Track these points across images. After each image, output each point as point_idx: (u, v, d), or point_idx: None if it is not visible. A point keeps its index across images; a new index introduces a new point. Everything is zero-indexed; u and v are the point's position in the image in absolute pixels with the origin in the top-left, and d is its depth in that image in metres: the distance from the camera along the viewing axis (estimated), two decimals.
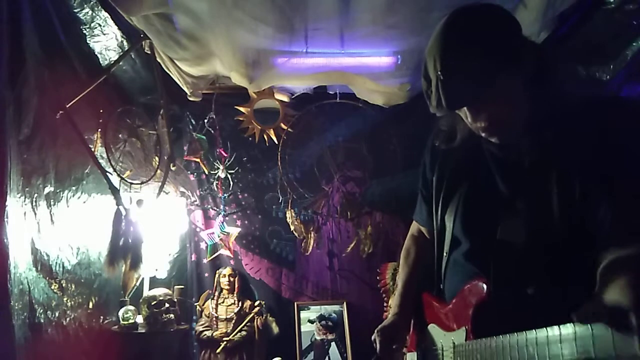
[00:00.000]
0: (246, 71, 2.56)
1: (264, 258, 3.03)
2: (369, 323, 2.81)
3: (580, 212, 0.99)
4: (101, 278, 2.27)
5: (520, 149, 1.09)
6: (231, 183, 3.02)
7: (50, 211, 1.82)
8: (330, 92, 3.01)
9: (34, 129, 1.66)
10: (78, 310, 2.03)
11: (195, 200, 3.04)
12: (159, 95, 2.57)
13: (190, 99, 2.79)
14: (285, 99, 3.02)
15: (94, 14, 1.94)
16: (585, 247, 0.97)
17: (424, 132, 1.38)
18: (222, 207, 2.99)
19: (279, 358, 2.69)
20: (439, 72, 1.00)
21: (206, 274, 2.98)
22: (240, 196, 3.08)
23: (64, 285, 1.92)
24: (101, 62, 2.20)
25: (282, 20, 2.14)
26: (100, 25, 2.01)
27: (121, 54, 2.18)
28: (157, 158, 2.68)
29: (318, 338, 2.89)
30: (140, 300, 2.58)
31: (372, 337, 1.34)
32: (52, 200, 1.84)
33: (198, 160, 2.92)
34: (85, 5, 1.88)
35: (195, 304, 2.88)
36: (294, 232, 3.02)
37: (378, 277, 2.94)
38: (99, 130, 2.19)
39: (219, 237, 2.92)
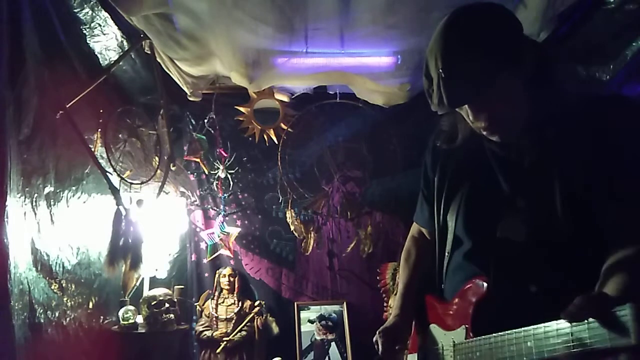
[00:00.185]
0: (246, 71, 2.56)
1: (264, 258, 3.03)
2: (369, 323, 2.86)
3: (582, 211, 0.99)
4: (101, 278, 2.27)
5: (522, 147, 1.09)
6: (231, 183, 3.02)
7: (50, 211, 1.82)
8: (330, 92, 3.01)
9: (34, 129, 1.66)
10: (78, 310, 2.03)
11: (195, 200, 3.04)
12: (159, 95, 2.57)
13: (190, 99, 2.79)
14: (285, 99, 3.02)
15: (94, 14, 1.94)
16: (588, 245, 0.98)
17: (424, 132, 1.38)
18: (222, 207, 2.99)
19: (279, 358, 2.69)
20: (440, 71, 1.01)
21: (206, 274, 2.97)
22: (240, 196, 3.08)
23: (64, 285, 1.92)
24: (101, 62, 2.20)
25: (282, 20, 2.14)
26: (100, 25, 2.01)
27: (121, 54, 2.18)
28: (157, 158, 2.68)
29: (318, 338, 2.89)
30: (140, 300, 2.58)
31: (374, 339, 1.34)
32: (52, 200, 1.84)
33: (198, 160, 2.92)
34: (85, 5, 1.88)
35: (195, 304, 2.88)
36: (294, 232, 3.02)
37: (378, 277, 2.94)
38: (99, 130, 2.19)
39: (219, 237, 2.92)
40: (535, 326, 0.86)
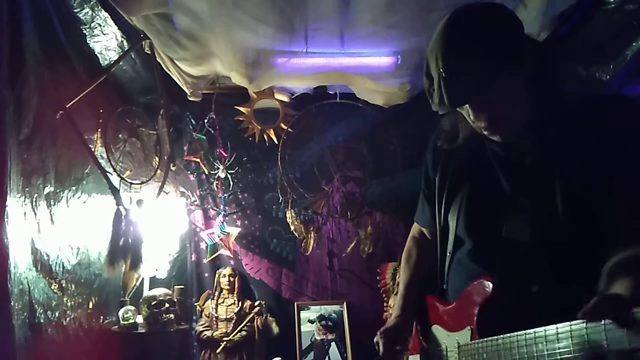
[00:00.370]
0: (246, 71, 2.56)
1: (264, 258, 3.03)
2: (369, 323, 2.87)
3: (584, 210, 0.99)
4: (101, 278, 2.27)
5: (523, 147, 1.09)
6: (231, 183, 3.02)
7: (50, 211, 1.82)
8: (330, 92, 3.01)
9: (34, 129, 1.66)
10: (78, 310, 2.03)
11: (195, 200, 3.04)
12: (159, 95, 2.57)
13: (190, 99, 2.79)
14: (285, 99, 3.02)
15: (94, 14, 1.94)
16: (590, 245, 0.97)
17: (424, 132, 1.38)
18: (222, 207, 2.99)
19: (279, 358, 2.69)
20: (441, 70, 1.01)
21: (206, 274, 2.97)
22: (240, 196, 3.08)
23: (64, 285, 1.92)
24: (101, 62, 2.20)
25: (282, 20, 2.14)
26: (100, 25, 2.01)
27: (121, 54, 2.18)
28: (157, 158, 2.68)
29: (318, 338, 2.89)
30: (140, 300, 2.58)
31: (375, 339, 1.33)
32: (52, 200, 1.84)
33: (198, 160, 2.92)
34: (85, 5, 1.88)
35: (195, 304, 2.88)
36: (294, 232, 3.02)
37: (378, 277, 2.93)
38: (99, 130, 2.19)
39: (219, 237, 2.92)
40: (546, 327, 0.83)
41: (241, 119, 3.03)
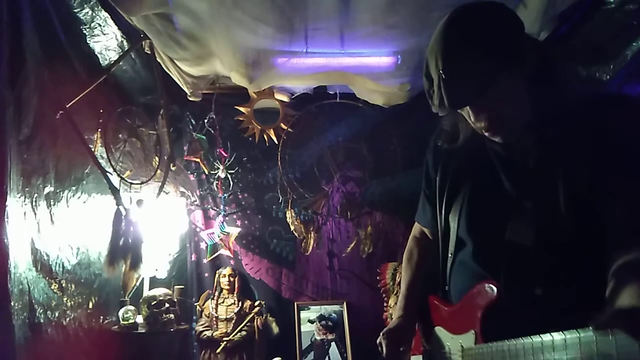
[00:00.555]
0: (246, 71, 2.56)
1: (264, 258, 3.03)
2: (369, 323, 2.87)
3: (587, 211, 0.97)
4: (101, 278, 2.27)
5: (524, 148, 1.08)
6: (231, 183, 3.02)
7: (50, 211, 1.82)
8: (330, 92, 3.01)
9: (34, 129, 1.66)
10: (78, 310, 2.03)
11: (195, 200, 3.04)
12: (159, 95, 2.57)
13: (190, 99, 2.79)
14: (285, 99, 3.02)
15: (94, 14, 1.94)
16: (595, 247, 0.96)
17: (424, 132, 1.38)
18: (222, 207, 2.99)
19: (279, 358, 2.69)
20: (441, 72, 1.00)
21: (206, 274, 2.97)
22: (240, 196, 3.08)
23: (64, 285, 1.92)
24: (101, 62, 2.20)
25: (282, 20, 2.14)
26: (100, 25, 2.01)
27: (121, 54, 2.18)
28: (157, 158, 2.68)
29: (318, 338, 2.89)
30: (140, 300, 2.58)
31: (378, 341, 1.32)
32: (52, 200, 1.84)
33: (198, 160, 2.92)
34: (85, 5, 1.88)
35: (195, 304, 2.88)
36: (294, 232, 3.02)
37: (378, 277, 2.94)
38: (99, 130, 2.19)
39: (219, 237, 2.92)
40: (554, 335, 0.80)
41: (241, 119, 3.03)
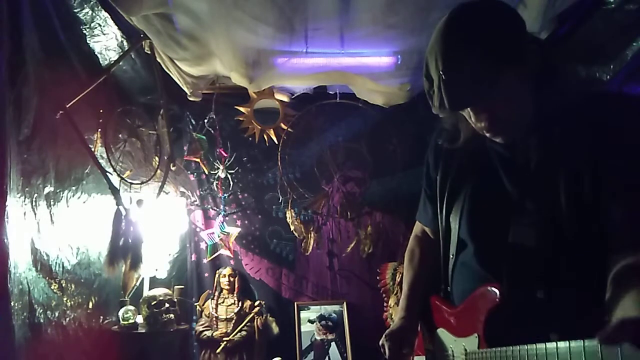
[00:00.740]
0: (246, 71, 2.56)
1: (264, 258, 3.03)
2: (369, 323, 2.87)
3: (589, 212, 0.96)
4: (101, 278, 2.27)
5: (526, 148, 1.06)
6: (231, 183, 3.02)
7: (50, 211, 1.82)
8: (330, 92, 3.01)
9: (34, 129, 1.66)
10: (78, 310, 2.03)
11: (195, 200, 3.04)
12: (159, 95, 2.57)
13: (190, 99, 2.79)
14: (285, 99, 3.02)
15: (94, 14, 1.94)
16: (598, 249, 0.95)
17: (424, 132, 1.38)
18: (222, 207, 2.99)
19: (279, 358, 2.69)
20: (441, 72, 0.98)
21: (206, 274, 2.97)
22: (240, 196, 3.08)
23: (64, 285, 1.92)
24: (101, 62, 2.20)
25: (282, 20, 2.14)
26: (100, 25, 2.01)
27: (121, 54, 2.18)
28: (157, 158, 2.68)
29: (318, 338, 2.89)
30: (140, 300, 2.58)
31: (380, 342, 1.31)
32: (52, 200, 1.84)
33: (198, 160, 2.92)
34: (85, 5, 1.88)
35: (195, 304, 2.88)
36: (294, 232, 3.02)
37: (378, 277, 2.94)
38: (99, 130, 2.19)
39: (219, 237, 2.92)
40: (559, 343, 0.80)
41: (241, 119, 3.03)
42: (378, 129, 3.08)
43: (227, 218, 3.00)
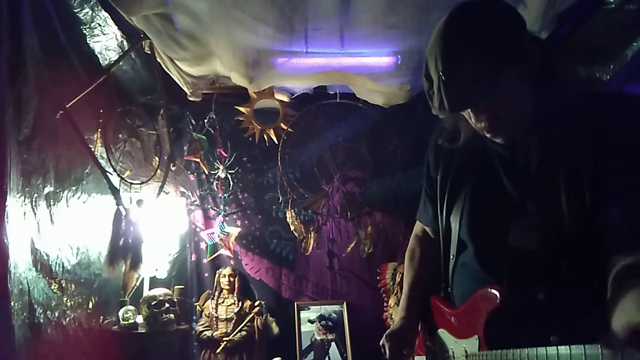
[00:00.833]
0: (246, 71, 2.56)
1: (264, 258, 3.03)
2: (369, 323, 2.87)
3: (590, 213, 0.96)
4: (101, 278, 2.27)
5: (526, 148, 1.06)
6: (231, 183, 3.02)
7: (50, 211, 1.82)
8: (330, 92, 3.01)
9: (34, 129, 1.66)
10: (78, 310, 2.03)
11: (195, 200, 3.04)
12: (159, 95, 2.57)
13: (190, 99, 2.79)
14: (285, 99, 3.02)
15: (94, 14, 1.94)
16: (599, 250, 0.94)
17: (424, 132, 1.37)
18: (222, 207, 2.99)
19: (279, 358, 2.69)
20: (441, 73, 0.97)
21: (206, 274, 2.97)
22: (240, 196, 3.08)
23: (63, 285, 1.92)
24: (101, 62, 2.20)
25: (282, 20, 2.14)
26: (100, 25, 2.01)
27: (121, 54, 2.18)
28: (157, 158, 2.68)
29: (318, 338, 2.89)
30: (140, 300, 2.58)
31: (381, 342, 1.31)
32: (52, 200, 1.84)
33: (198, 160, 2.92)
34: (85, 5, 1.88)
35: (195, 304, 2.87)
36: (294, 232, 3.02)
37: (378, 277, 2.94)
38: (99, 130, 2.19)
39: (219, 237, 2.92)
40: (560, 347, 0.80)
41: (241, 119, 3.03)
42: (378, 129, 3.08)
43: (227, 218, 3.00)
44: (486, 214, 1.15)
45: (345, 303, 2.96)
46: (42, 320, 1.72)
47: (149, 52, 2.34)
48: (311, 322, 2.91)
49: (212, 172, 3.00)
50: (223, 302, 2.82)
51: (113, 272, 2.10)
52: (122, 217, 2.11)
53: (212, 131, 2.96)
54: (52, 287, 1.83)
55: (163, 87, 2.53)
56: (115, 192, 2.10)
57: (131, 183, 2.46)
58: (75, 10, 1.89)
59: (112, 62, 2.17)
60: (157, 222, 2.63)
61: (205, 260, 2.97)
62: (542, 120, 1.04)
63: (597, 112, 1.00)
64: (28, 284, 1.63)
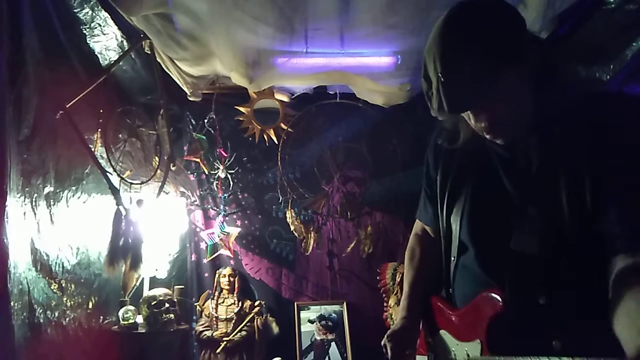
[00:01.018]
0: (246, 71, 2.56)
1: (264, 258, 3.03)
2: (369, 323, 2.87)
3: (591, 213, 0.95)
4: (101, 278, 2.27)
5: (526, 148, 1.05)
6: (231, 183, 3.02)
7: (50, 211, 1.82)
8: (330, 92, 3.01)
9: (34, 129, 1.66)
10: (78, 310, 2.03)
11: (195, 200, 3.04)
12: (159, 95, 2.57)
13: (190, 99, 2.79)
14: (285, 99, 3.02)
15: (94, 14, 1.94)
16: (600, 253, 0.94)
17: (424, 132, 1.37)
18: (222, 207, 2.99)
19: (279, 358, 2.69)
20: (440, 74, 0.96)
21: (206, 274, 2.97)
22: (240, 196, 3.08)
23: (63, 285, 1.92)
24: (101, 62, 2.20)
25: (282, 20, 2.14)
26: (100, 25, 2.01)
27: (121, 54, 2.18)
28: (157, 158, 2.68)
29: (318, 338, 2.89)
30: (140, 300, 2.58)
31: (382, 343, 1.30)
32: (52, 200, 1.84)
33: (198, 160, 2.92)
34: (85, 5, 1.88)
35: (195, 304, 2.88)
36: (294, 232, 3.02)
37: (378, 277, 2.94)
38: (99, 130, 2.19)
39: (219, 237, 2.92)
40: (562, 358, 0.80)
41: (241, 119, 3.03)
42: (378, 129, 3.08)
43: (227, 218, 3.00)
44: (486, 216, 1.14)
45: (345, 303, 2.96)
46: (42, 320, 1.72)
47: (149, 52, 2.34)
48: (311, 322, 2.91)
49: (212, 172, 3.00)
50: (223, 302, 2.82)
51: (113, 272, 2.10)
52: (122, 217, 2.11)
53: (212, 131, 2.96)
54: (52, 287, 1.83)
55: (163, 87, 2.53)
56: (115, 192, 2.10)
57: (131, 183, 2.46)
58: (75, 10, 1.89)
59: (112, 62, 2.17)
60: (157, 222, 2.63)
61: (205, 260, 2.97)
62: (542, 120, 1.03)
63: (597, 112, 0.99)
64: (28, 284, 1.63)
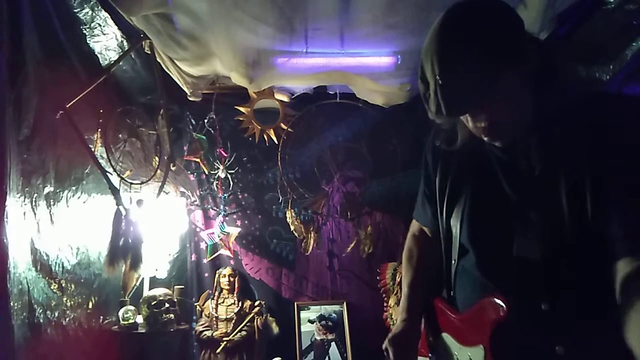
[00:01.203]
0: (246, 71, 2.56)
1: (264, 258, 3.03)
2: (369, 323, 2.87)
3: (592, 215, 0.94)
4: (101, 278, 2.27)
5: (526, 150, 1.04)
6: (231, 183, 3.02)
7: (50, 211, 1.82)
8: (330, 92, 3.01)
9: (34, 129, 1.66)
10: (78, 310, 2.03)
11: (195, 200, 3.04)
12: (159, 95, 2.57)
13: (190, 99, 2.79)
14: (285, 99, 3.02)
15: (94, 14, 1.94)
16: (601, 256, 0.93)
17: (424, 132, 1.36)
18: (222, 207, 2.99)
19: (279, 358, 2.69)
20: (437, 77, 0.95)
21: (206, 274, 2.97)
22: (240, 196, 3.08)
23: (63, 285, 1.92)
24: (101, 62, 2.20)
25: (282, 20, 2.14)
26: (100, 25, 2.01)
27: (121, 54, 2.18)
28: (157, 158, 2.68)
29: (318, 338, 2.89)
30: (140, 300, 2.58)
31: (383, 346, 1.28)
32: (51, 200, 1.84)
33: (198, 160, 2.92)
34: (85, 5, 1.88)
35: (195, 304, 2.88)
36: (294, 232, 3.02)
37: (378, 277, 2.94)
38: (99, 130, 2.19)
39: (219, 237, 2.92)
40: None
41: (241, 119, 3.03)
42: (378, 129, 3.08)
43: (227, 218, 3.00)
44: (486, 220, 1.13)
45: (345, 303, 2.96)
46: (41, 320, 1.72)
47: (149, 52, 2.34)
48: (311, 322, 2.91)
49: (212, 172, 3.00)
50: (223, 302, 2.82)
51: (113, 272, 2.10)
52: (122, 217, 2.11)
53: (212, 131, 2.96)
54: (52, 287, 1.83)
55: (163, 87, 2.53)
56: (115, 192, 2.10)
57: (131, 183, 2.46)
58: (75, 10, 1.88)
59: (112, 62, 2.17)
60: (157, 222, 2.63)
61: (205, 260, 2.97)
62: (541, 120, 1.02)
63: (597, 112, 0.98)
64: (28, 284, 1.63)
